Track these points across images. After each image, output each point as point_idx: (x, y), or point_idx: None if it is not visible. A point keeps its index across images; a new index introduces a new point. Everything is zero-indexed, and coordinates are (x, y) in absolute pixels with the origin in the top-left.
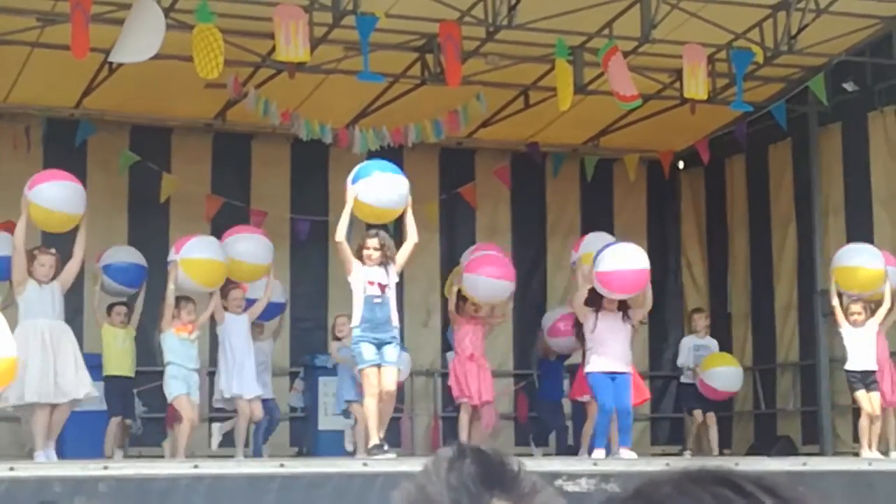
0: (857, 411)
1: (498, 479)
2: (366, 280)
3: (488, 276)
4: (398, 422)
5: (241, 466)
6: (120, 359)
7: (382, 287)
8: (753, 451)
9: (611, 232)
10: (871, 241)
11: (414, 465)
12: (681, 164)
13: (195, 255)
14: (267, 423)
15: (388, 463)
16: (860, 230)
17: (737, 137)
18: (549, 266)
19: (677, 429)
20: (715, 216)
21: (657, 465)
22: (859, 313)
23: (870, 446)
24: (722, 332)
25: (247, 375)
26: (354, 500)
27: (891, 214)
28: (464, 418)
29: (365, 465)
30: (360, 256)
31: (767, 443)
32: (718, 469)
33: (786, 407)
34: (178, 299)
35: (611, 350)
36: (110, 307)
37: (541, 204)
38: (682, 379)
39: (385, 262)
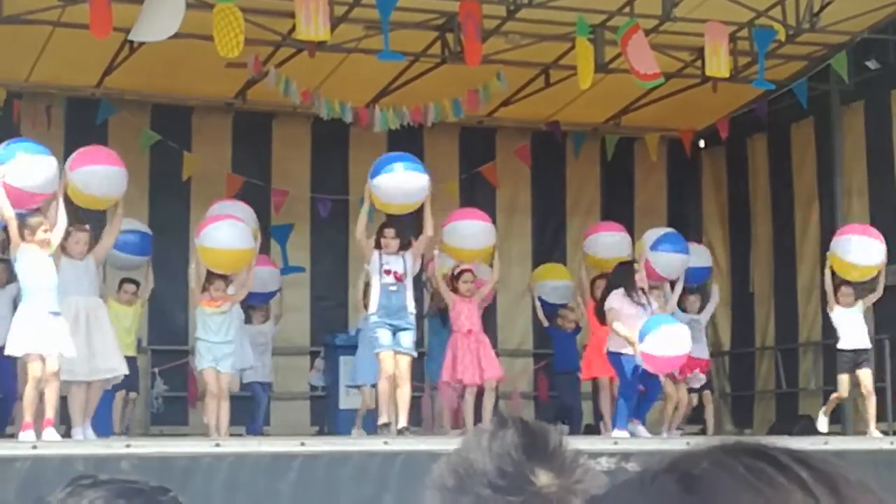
0: (877, 390)
1: (540, 449)
2: (382, 269)
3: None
4: (419, 400)
5: (262, 445)
6: (123, 339)
7: (398, 276)
8: (775, 430)
9: (631, 211)
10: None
11: (435, 443)
12: (702, 143)
13: (209, 245)
14: (255, 407)
15: (408, 441)
16: (883, 209)
17: (758, 116)
18: (568, 245)
19: (697, 408)
20: (737, 195)
21: (677, 443)
22: (850, 294)
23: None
24: (744, 311)
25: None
26: (375, 478)
27: None
28: (449, 399)
29: (385, 443)
30: (378, 244)
31: (789, 422)
32: (753, 443)
33: (807, 386)
34: (210, 275)
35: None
36: (120, 283)
37: (561, 183)
38: None
39: (402, 250)
